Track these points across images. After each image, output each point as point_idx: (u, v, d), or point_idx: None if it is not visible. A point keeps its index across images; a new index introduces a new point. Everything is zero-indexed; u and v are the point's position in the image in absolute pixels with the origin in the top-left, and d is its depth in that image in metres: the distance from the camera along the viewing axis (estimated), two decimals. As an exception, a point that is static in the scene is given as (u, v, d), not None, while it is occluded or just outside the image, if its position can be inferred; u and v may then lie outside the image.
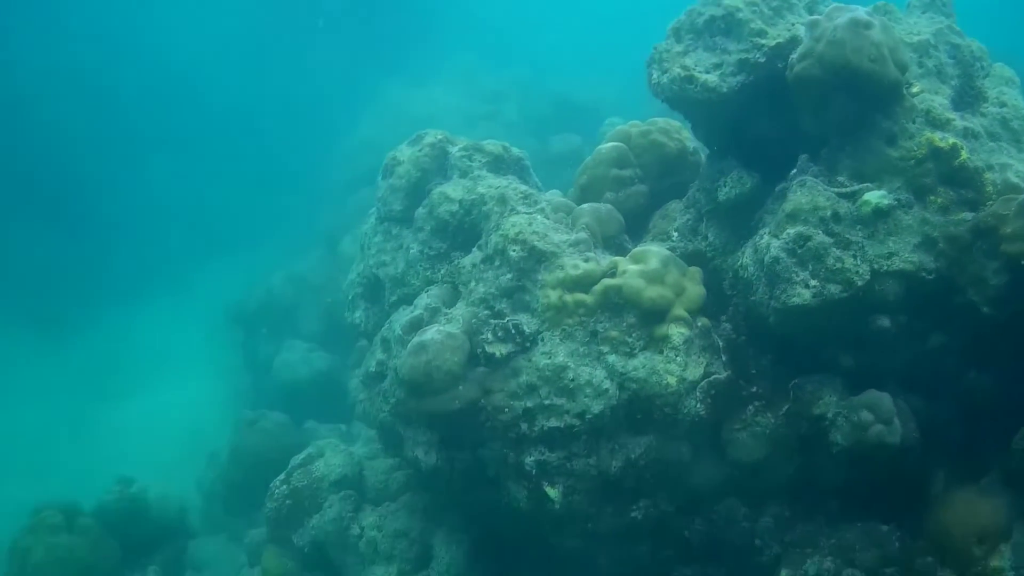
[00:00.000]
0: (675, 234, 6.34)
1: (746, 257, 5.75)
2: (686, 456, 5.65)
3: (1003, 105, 5.83)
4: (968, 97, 5.85)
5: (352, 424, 9.18)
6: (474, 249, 6.23)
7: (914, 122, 5.40)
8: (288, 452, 8.54)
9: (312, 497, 7.76)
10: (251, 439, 10.49)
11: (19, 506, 9.71)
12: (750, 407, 5.70)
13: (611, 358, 5.45)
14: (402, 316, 6.19)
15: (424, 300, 6.16)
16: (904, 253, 5.23)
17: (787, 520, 5.86)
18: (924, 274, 5.22)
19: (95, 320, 18.37)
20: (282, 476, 8.09)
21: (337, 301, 9.67)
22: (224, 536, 10.65)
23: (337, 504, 7.42)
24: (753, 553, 5.94)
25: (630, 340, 5.49)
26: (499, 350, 5.57)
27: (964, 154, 5.25)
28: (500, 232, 5.88)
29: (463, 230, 6.49)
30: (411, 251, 6.68)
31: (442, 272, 6.46)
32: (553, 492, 5.50)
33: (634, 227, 6.52)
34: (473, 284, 5.95)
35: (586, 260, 5.73)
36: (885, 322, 5.30)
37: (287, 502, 7.86)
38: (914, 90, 5.47)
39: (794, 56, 5.36)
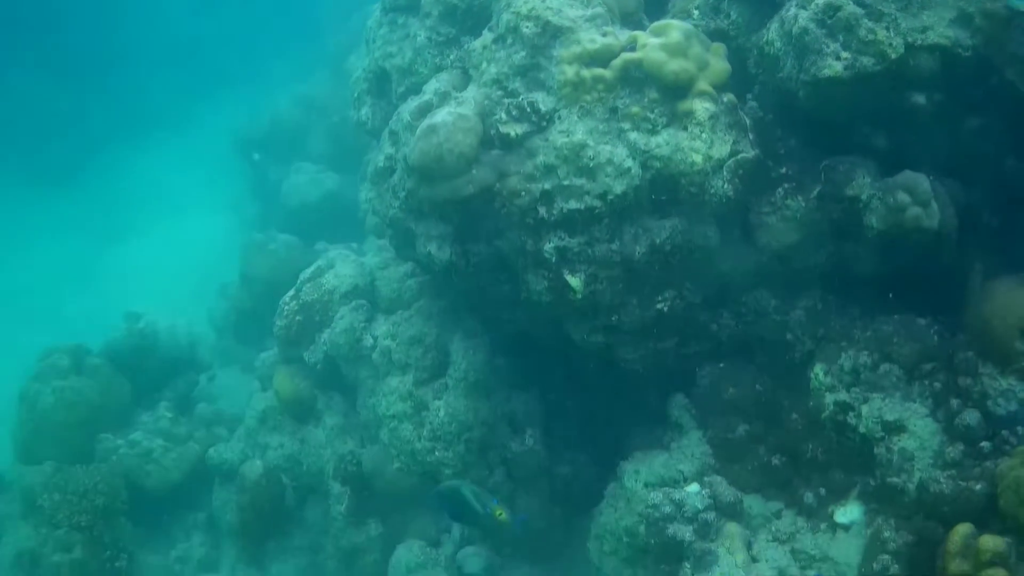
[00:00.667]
0: (696, 12, 6.00)
1: (772, 32, 5.46)
2: (713, 241, 5.49)
3: None
4: None
5: (364, 242, 8.95)
6: (485, 31, 5.83)
7: None
8: (299, 274, 8.37)
9: (323, 311, 7.63)
10: (260, 262, 10.33)
11: (29, 353, 9.68)
12: (779, 189, 5.52)
13: (633, 135, 5.18)
14: (410, 104, 5.83)
15: (433, 85, 5.84)
16: (939, 27, 4.93)
17: (819, 313, 5.76)
18: (960, 50, 4.93)
19: (99, 163, 18.08)
20: (291, 292, 7.99)
21: (345, 119, 9.28)
22: (237, 367, 10.70)
23: (348, 315, 7.26)
24: (785, 349, 5.85)
25: (652, 116, 5.22)
26: (514, 130, 5.28)
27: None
28: (512, 9, 5.52)
29: (472, 13, 6.11)
30: (418, 39, 6.31)
31: (452, 58, 6.14)
32: (575, 281, 5.30)
33: (652, 7, 6.08)
34: (484, 65, 5.62)
35: (604, 34, 5.40)
36: (920, 99, 5.05)
37: (297, 318, 7.75)
38: None
39: None
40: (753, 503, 5.75)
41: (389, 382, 6.94)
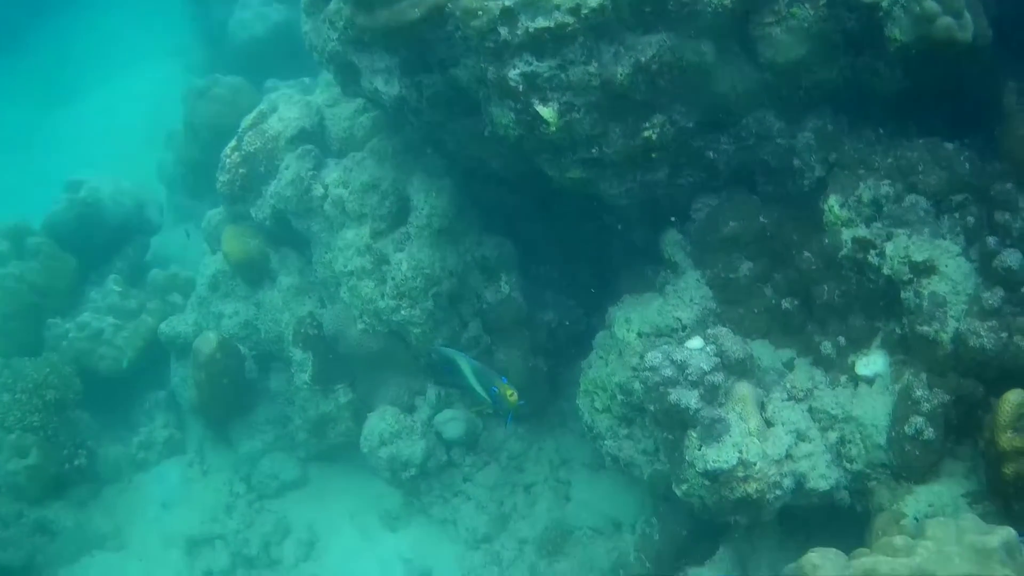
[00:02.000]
0: None
1: None
2: (708, 57, 4.74)
3: None
4: None
5: (318, 75, 8.08)
6: None
7: None
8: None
9: (268, 160, 6.93)
10: (204, 109, 9.53)
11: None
12: (785, -4, 4.68)
13: (606, -70, 4.34)
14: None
15: None
16: None
17: (831, 136, 5.08)
18: None
19: (40, 27, 16.84)
20: (232, 142, 7.27)
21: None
22: (192, 224, 9.83)
23: (295, 163, 6.54)
24: (792, 176, 5.22)
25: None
26: (460, -70, 4.44)
27: None
28: None
29: None
30: None
31: None
32: (547, 112, 4.57)
33: None
34: None
35: None
36: None
37: (240, 171, 7.05)
38: None
39: None
40: (762, 352, 5.18)
41: (344, 235, 6.27)
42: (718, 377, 4.71)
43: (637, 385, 5.25)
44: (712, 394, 4.70)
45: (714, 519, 4.87)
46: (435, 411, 6.68)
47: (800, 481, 4.69)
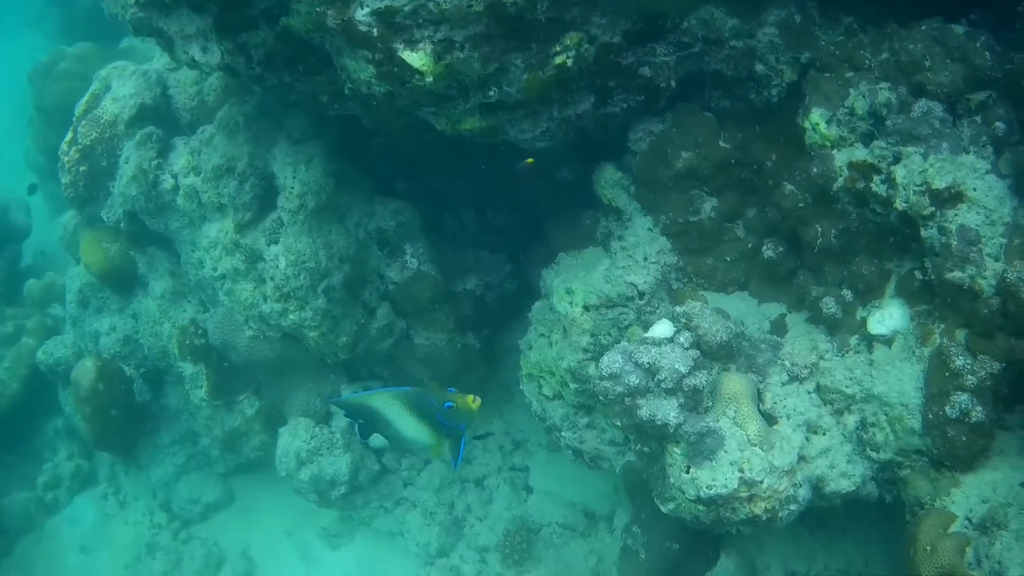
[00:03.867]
0: None
1: None
2: None
3: None
4: None
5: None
6: None
7: None
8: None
9: (109, 152, 5.81)
10: (52, 89, 8.34)
11: None
12: None
13: None
14: None
15: None
16: None
17: (800, 29, 3.90)
18: None
19: None
20: (68, 135, 6.00)
21: None
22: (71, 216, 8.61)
23: (134, 154, 5.38)
24: (755, 85, 4.07)
25: None
26: None
27: None
28: None
29: None
30: None
31: None
32: (417, 58, 3.45)
33: None
34: None
35: None
36: None
37: (81, 169, 5.89)
38: None
39: None
40: (743, 309, 4.20)
41: (207, 231, 5.14)
42: (700, 377, 3.65)
43: (592, 370, 4.29)
44: (695, 400, 3.67)
45: (713, 530, 3.94)
46: (356, 418, 5.62)
47: (818, 486, 3.76)
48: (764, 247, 4.22)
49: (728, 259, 4.36)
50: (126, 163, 5.37)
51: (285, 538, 6.32)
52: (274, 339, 5.24)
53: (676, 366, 3.59)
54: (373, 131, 4.77)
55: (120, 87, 5.76)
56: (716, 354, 3.80)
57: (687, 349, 3.68)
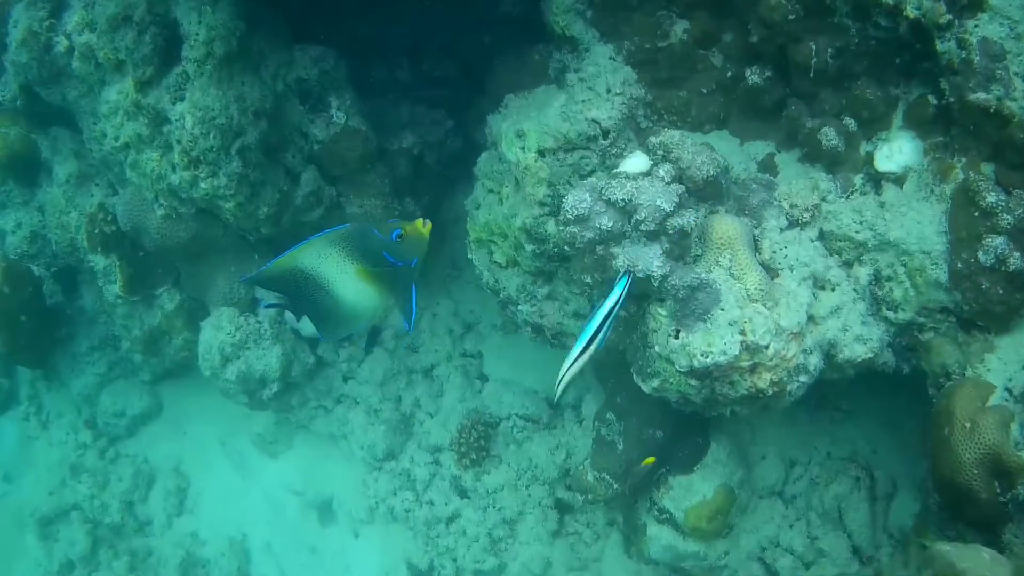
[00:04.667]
0: None
1: None
2: None
3: None
4: None
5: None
6: None
7: None
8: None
9: (1, 22, 5.00)
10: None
11: None
12: None
13: None
14: None
15: None
16: None
17: None
18: None
19: None
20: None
21: None
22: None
23: (24, 15, 4.77)
24: None
25: None
26: None
27: None
28: None
29: None
30: None
31: None
32: None
33: None
34: None
35: None
36: None
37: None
38: None
39: None
40: (724, 149, 3.56)
41: (107, 95, 4.51)
42: (687, 217, 3.07)
43: (551, 227, 3.71)
44: (682, 246, 3.12)
45: (704, 412, 3.42)
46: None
47: (830, 352, 3.25)
48: (749, 74, 3.56)
49: (704, 91, 3.69)
50: (15, 27, 4.72)
51: (219, 448, 5.83)
52: (188, 216, 4.66)
53: (658, 203, 3.00)
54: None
55: (5, -54, 5.08)
56: (702, 193, 3.21)
57: (669, 184, 3.11)
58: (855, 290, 3.26)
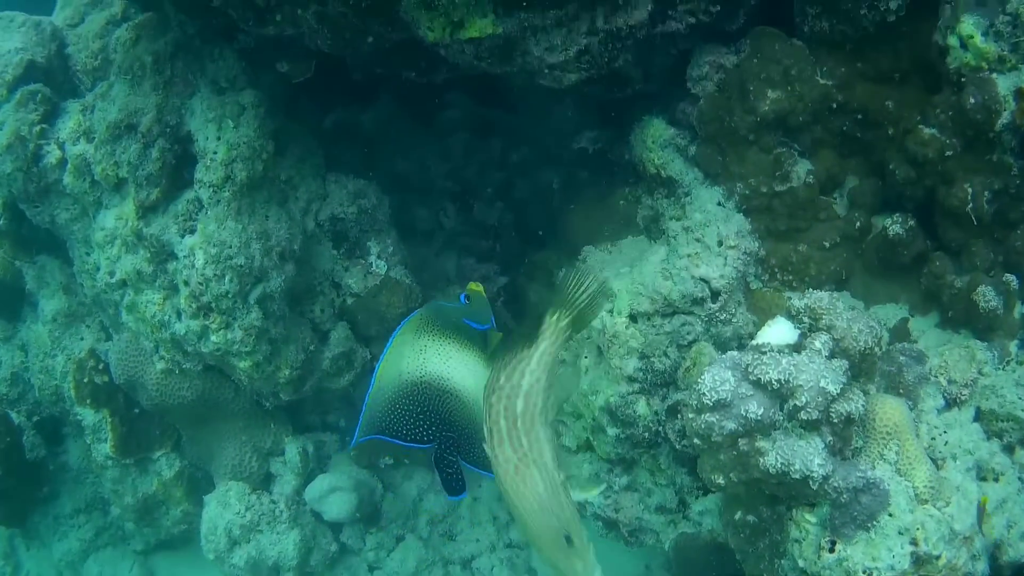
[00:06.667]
0: None
1: None
2: None
3: None
4: None
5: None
6: None
7: None
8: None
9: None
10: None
11: None
12: None
13: None
14: None
15: None
16: None
17: None
18: None
19: None
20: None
21: None
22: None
23: (11, 117, 3.83)
24: None
25: None
26: None
27: None
28: None
29: None
30: None
31: None
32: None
33: None
34: None
35: None
36: None
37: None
38: None
39: None
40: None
41: (103, 221, 3.61)
42: (856, 401, 2.37)
43: (642, 408, 3.06)
44: (844, 436, 2.38)
45: None
46: (304, 478, 4.16)
47: (994, 554, 2.49)
48: (888, 224, 2.94)
49: (826, 244, 3.07)
50: (0, 129, 3.83)
51: (219, 639, 4.72)
52: (193, 373, 3.72)
53: (822, 384, 2.31)
54: (333, 77, 3.32)
55: (3, 41, 4.28)
56: (855, 369, 2.49)
57: (829, 359, 2.40)
58: (1020, 479, 2.62)
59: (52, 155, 3.78)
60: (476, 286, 2.73)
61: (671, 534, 3.27)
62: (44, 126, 3.86)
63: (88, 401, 4.24)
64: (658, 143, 3.22)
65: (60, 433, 4.83)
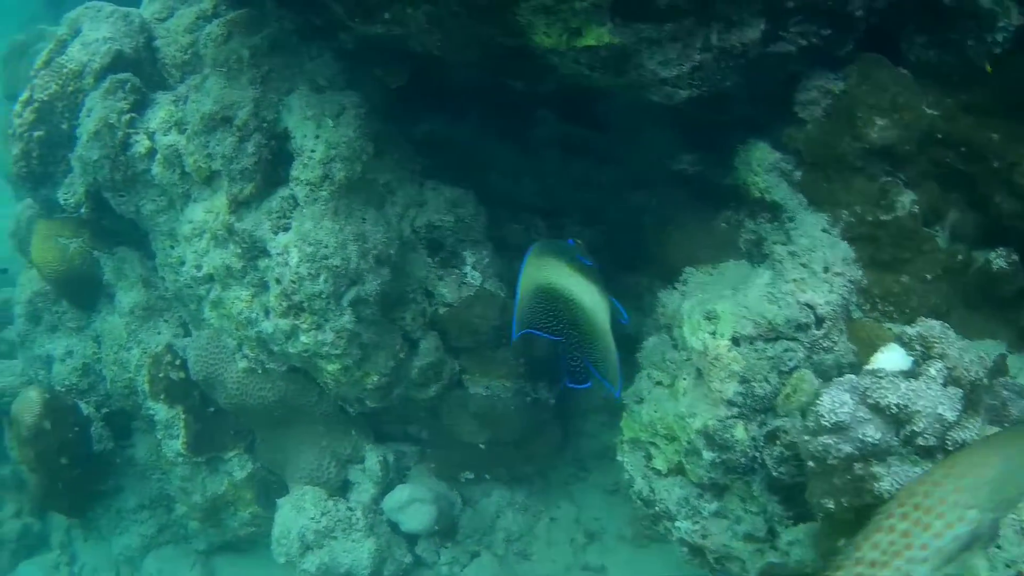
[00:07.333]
0: None
1: None
2: None
3: None
4: None
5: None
6: None
7: None
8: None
9: (72, 111, 4.14)
10: (26, 71, 6.60)
11: None
12: None
13: None
14: None
15: None
16: None
17: None
18: None
19: None
20: (25, 93, 4.49)
21: None
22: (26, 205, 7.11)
23: (99, 104, 3.78)
24: (972, 28, 2.79)
25: None
26: None
27: None
28: None
29: None
30: None
31: None
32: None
33: None
34: None
35: None
36: None
37: (36, 135, 4.34)
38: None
39: None
40: None
41: (191, 214, 3.53)
42: (972, 429, 2.38)
43: (740, 432, 2.94)
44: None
45: None
46: (382, 488, 4.07)
47: None
48: (993, 257, 2.91)
49: (928, 277, 3.02)
50: (88, 116, 3.78)
51: (280, 645, 4.64)
52: (276, 374, 3.64)
53: (939, 411, 2.35)
54: (432, 84, 3.23)
55: (92, 30, 4.25)
56: (972, 400, 2.48)
57: (945, 386, 2.40)
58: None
59: (141, 144, 3.72)
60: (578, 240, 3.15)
61: (758, 563, 3.14)
62: (133, 115, 3.81)
63: (162, 396, 4.18)
64: (763, 167, 3.14)
65: (129, 427, 4.78)
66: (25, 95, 4.37)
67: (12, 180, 4.69)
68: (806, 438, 2.48)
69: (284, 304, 3.25)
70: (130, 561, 5.01)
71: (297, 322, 3.26)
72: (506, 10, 2.56)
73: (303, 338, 3.28)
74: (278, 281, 3.24)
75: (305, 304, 3.22)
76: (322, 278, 3.18)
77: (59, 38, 4.40)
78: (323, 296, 3.20)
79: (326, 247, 3.17)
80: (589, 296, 3.01)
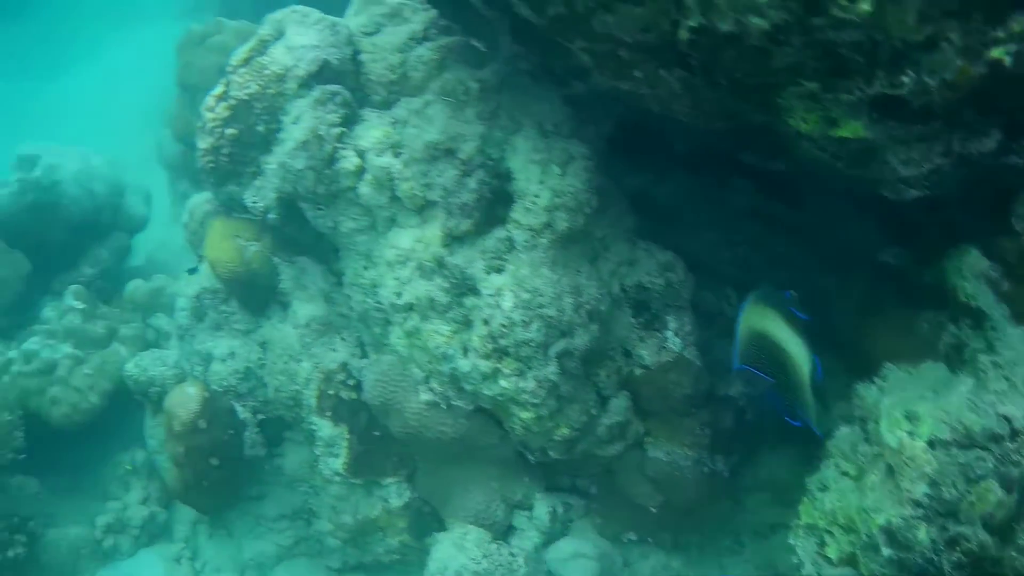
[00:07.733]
0: None
1: None
2: None
3: None
4: None
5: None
6: None
7: None
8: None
9: (270, 115, 4.16)
10: (204, 63, 6.85)
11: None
12: None
13: None
14: None
15: None
16: None
17: None
18: None
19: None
20: (217, 88, 4.46)
21: None
22: (203, 199, 7.12)
23: (309, 114, 3.77)
24: None
25: None
26: None
27: None
28: None
29: None
30: None
31: None
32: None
33: None
34: None
35: None
36: None
37: (228, 132, 4.28)
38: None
39: None
40: None
41: (397, 239, 3.49)
42: None
43: (923, 534, 2.90)
44: None
45: None
46: (547, 537, 3.96)
47: None
48: None
49: None
50: (295, 124, 3.76)
51: None
52: (461, 412, 3.56)
53: None
54: (657, 143, 3.14)
55: (298, 35, 4.20)
56: None
57: None
58: None
59: (349, 160, 3.67)
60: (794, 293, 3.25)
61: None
62: (343, 129, 3.76)
63: (329, 414, 4.14)
64: (972, 273, 3.07)
65: (281, 436, 4.75)
66: (219, 90, 4.35)
67: (195, 173, 4.70)
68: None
69: (489, 346, 3.17)
70: (260, 568, 4.99)
71: (499, 366, 3.19)
72: (771, 91, 2.48)
73: (503, 382, 3.20)
74: (486, 322, 3.17)
75: (511, 350, 3.14)
76: (534, 327, 3.10)
77: (261, 37, 4.36)
78: (532, 344, 3.12)
79: (542, 296, 3.09)
80: (796, 347, 3.13)
